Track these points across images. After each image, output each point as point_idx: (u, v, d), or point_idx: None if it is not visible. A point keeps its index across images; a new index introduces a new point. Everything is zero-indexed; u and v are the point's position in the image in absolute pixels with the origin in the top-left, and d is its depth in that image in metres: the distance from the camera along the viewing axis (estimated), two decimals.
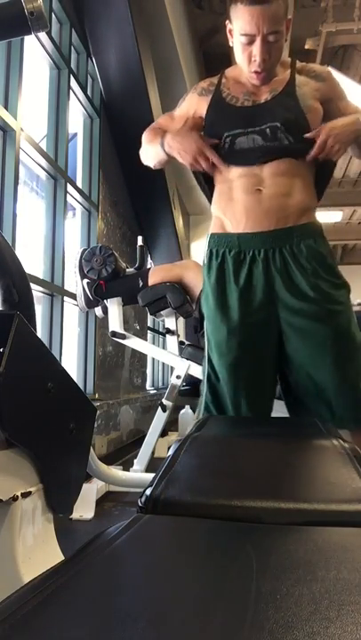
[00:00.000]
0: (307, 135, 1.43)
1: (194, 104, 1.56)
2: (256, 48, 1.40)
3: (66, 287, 3.39)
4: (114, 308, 2.62)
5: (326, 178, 1.60)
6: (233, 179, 1.49)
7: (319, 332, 1.44)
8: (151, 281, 2.56)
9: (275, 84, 1.50)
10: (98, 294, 2.56)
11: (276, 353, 1.50)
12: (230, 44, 1.48)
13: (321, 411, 1.47)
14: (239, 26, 1.39)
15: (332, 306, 1.45)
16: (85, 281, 2.57)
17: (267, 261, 1.46)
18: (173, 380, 2.59)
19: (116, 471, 2.33)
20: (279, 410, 1.61)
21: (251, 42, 1.40)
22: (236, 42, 1.44)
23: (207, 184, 1.61)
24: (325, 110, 1.50)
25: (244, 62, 1.45)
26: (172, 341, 2.74)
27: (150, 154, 1.56)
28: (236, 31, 1.42)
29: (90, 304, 2.62)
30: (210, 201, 1.61)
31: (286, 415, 1.60)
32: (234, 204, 1.50)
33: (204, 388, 1.56)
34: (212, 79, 1.57)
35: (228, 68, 1.58)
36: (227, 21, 1.46)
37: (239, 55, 1.46)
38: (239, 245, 1.49)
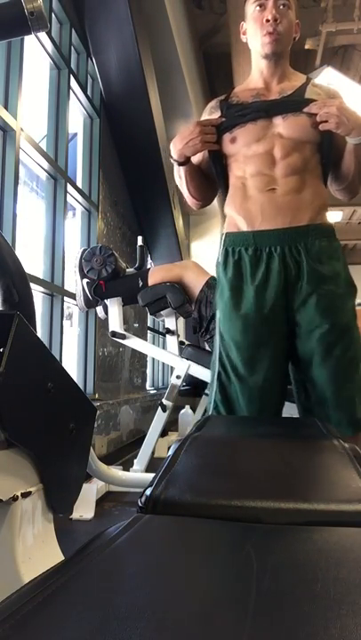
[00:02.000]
0: (314, 104, 1.46)
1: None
2: (268, 9, 1.51)
3: (66, 287, 3.39)
4: (114, 308, 2.62)
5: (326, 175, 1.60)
6: (246, 177, 1.52)
7: (325, 326, 1.45)
8: (151, 281, 2.56)
9: (286, 88, 1.56)
10: (98, 294, 2.56)
11: (289, 351, 1.51)
12: (244, 40, 1.61)
13: (329, 409, 1.47)
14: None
15: (344, 303, 1.48)
16: (85, 281, 2.56)
17: (283, 257, 1.48)
18: (173, 380, 2.59)
19: (116, 471, 2.33)
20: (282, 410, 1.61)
21: (263, 7, 1.52)
22: (250, 22, 1.55)
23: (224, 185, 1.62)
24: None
25: (258, 31, 1.53)
26: (172, 341, 2.74)
27: (180, 182, 1.63)
28: (250, 10, 1.55)
29: (89, 304, 2.62)
30: (223, 200, 1.62)
31: (287, 415, 1.60)
32: (248, 203, 1.52)
33: (213, 388, 1.56)
34: (220, 97, 1.64)
35: (235, 87, 1.66)
36: (242, 23, 1.59)
37: (253, 31, 1.55)
38: (255, 243, 1.50)
